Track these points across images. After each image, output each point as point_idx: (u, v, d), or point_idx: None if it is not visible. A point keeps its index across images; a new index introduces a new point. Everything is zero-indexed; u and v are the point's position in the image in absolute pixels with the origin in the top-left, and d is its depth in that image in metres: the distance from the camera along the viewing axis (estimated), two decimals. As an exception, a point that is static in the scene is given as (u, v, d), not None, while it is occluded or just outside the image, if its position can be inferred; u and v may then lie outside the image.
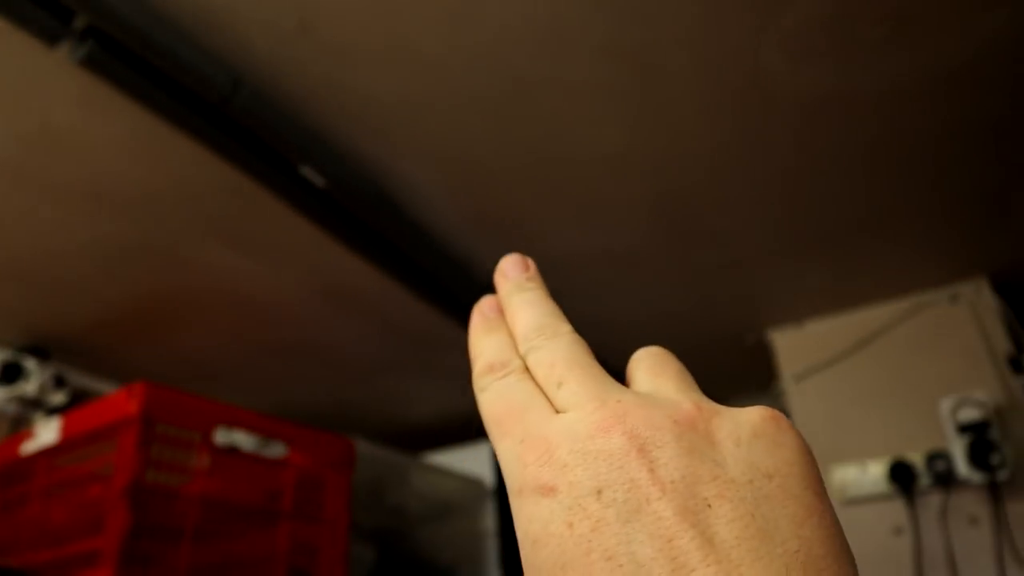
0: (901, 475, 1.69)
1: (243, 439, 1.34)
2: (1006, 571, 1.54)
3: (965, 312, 1.79)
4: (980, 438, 1.58)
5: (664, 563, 0.21)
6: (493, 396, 0.29)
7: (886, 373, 1.81)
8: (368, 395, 2.11)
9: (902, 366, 1.80)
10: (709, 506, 0.22)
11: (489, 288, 0.35)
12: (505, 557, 2.08)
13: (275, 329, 1.75)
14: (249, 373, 1.96)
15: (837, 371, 1.87)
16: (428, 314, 1.71)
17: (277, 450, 1.39)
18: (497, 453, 0.27)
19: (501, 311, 0.33)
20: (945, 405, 1.66)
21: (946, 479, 1.64)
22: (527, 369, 0.30)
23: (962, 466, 1.60)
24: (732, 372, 2.11)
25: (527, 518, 0.25)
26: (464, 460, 2.15)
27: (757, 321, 1.94)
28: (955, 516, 1.64)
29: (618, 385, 0.27)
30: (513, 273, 0.34)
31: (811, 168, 1.35)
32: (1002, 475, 1.55)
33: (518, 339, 0.31)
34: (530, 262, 0.35)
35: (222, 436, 1.30)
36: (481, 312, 0.34)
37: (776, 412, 0.26)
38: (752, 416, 0.25)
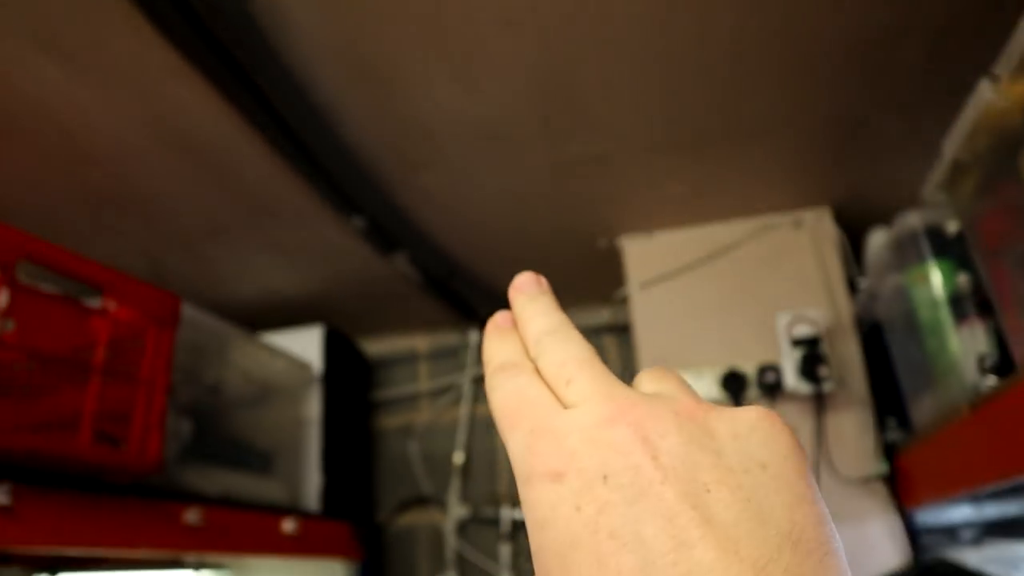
0: (732, 384, 1.76)
1: (51, 278, 1.14)
2: (820, 478, 1.64)
3: (806, 238, 1.87)
4: (811, 352, 1.66)
5: (666, 540, 0.23)
6: (504, 393, 0.31)
7: (728, 288, 1.86)
8: (192, 263, 1.90)
9: (744, 283, 1.86)
10: (708, 491, 0.24)
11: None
12: (327, 447, 1.98)
13: (89, 169, 1.51)
14: (50, 222, 1.69)
15: (682, 282, 1.89)
16: (276, 177, 1.53)
17: (91, 295, 1.20)
18: (507, 446, 0.30)
19: (514, 323, 0.36)
20: (781, 320, 1.73)
21: (774, 389, 1.72)
22: (537, 371, 0.32)
23: (791, 378, 1.68)
24: (581, 274, 2.09)
25: (535, 503, 0.26)
26: (292, 344, 2.01)
27: (611, 226, 1.92)
28: (777, 425, 1.73)
29: (624, 384, 0.30)
30: (527, 287, 0.37)
31: (694, 64, 1.31)
32: (827, 387, 1.64)
33: (529, 344, 0.34)
34: (543, 280, 0.38)
35: (26, 272, 1.09)
36: (495, 322, 0.37)
37: (771, 411, 0.29)
38: (749, 414, 0.28)
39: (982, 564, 1.49)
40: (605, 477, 0.25)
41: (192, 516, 1.43)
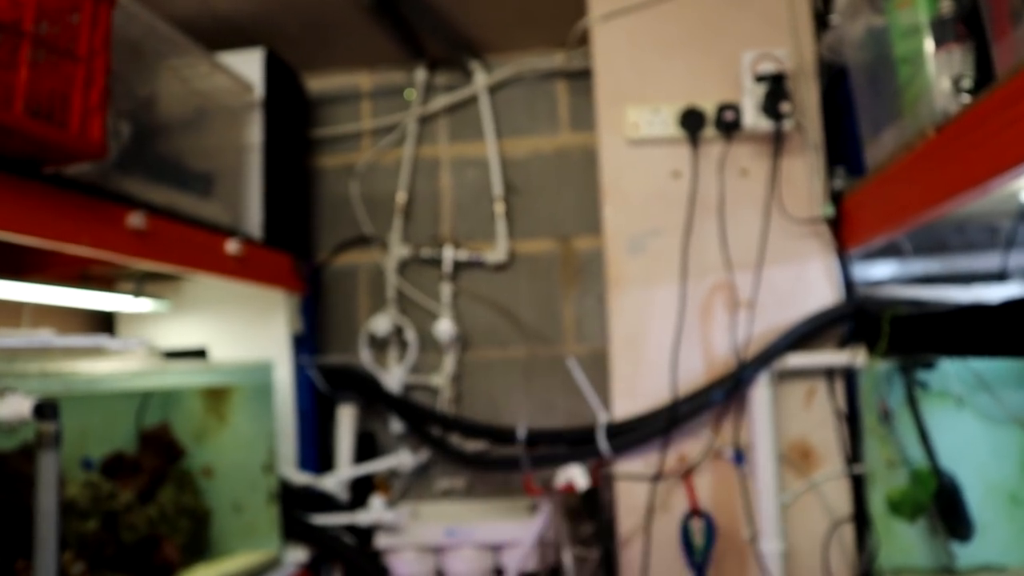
0: (691, 121, 1.74)
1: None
2: (772, 218, 1.68)
3: (777, -25, 1.79)
4: (775, 88, 1.63)
5: None
6: None
7: (693, 24, 1.79)
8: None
9: (709, 19, 1.79)
10: None
11: None
12: (268, 175, 1.90)
13: None
14: None
15: (645, 16, 1.81)
16: None
17: (14, -54, 1.05)
18: None
19: None
20: (747, 57, 1.68)
21: (732, 128, 1.71)
22: None
23: (751, 116, 1.66)
24: (538, 6, 1.97)
25: None
26: (233, 65, 1.86)
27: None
28: (731, 166, 1.74)
29: None
30: None
31: None
32: (788, 124, 1.64)
33: None
34: None
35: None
36: None
37: None
38: None
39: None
40: None
41: (136, 220, 1.36)
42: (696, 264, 1.72)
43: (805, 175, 1.73)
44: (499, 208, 2.17)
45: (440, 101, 2.25)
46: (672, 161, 1.77)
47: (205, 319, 2.07)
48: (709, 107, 1.73)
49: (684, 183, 1.75)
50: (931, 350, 1.33)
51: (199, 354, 1.77)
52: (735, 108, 1.70)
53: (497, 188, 2.18)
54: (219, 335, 2.04)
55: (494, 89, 2.25)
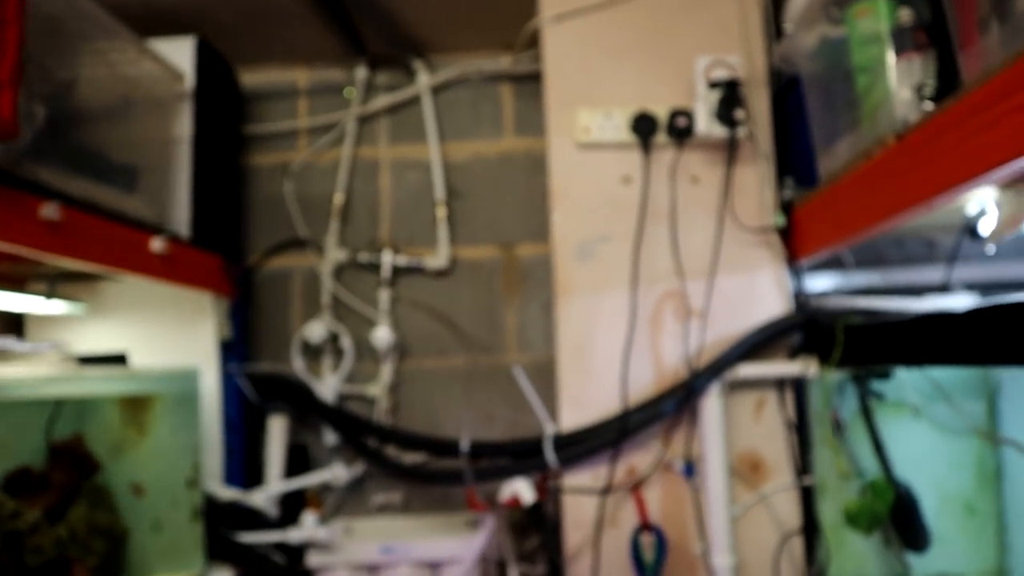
0: (643, 126, 1.70)
1: None
2: (724, 228, 1.66)
3: (728, -17, 1.78)
4: (729, 95, 1.61)
5: None
6: None
7: (645, 29, 1.76)
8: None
9: (661, 24, 1.76)
10: None
11: None
12: (197, 171, 1.79)
13: None
14: None
15: (598, 19, 1.77)
16: None
17: None
18: None
19: None
20: (700, 63, 1.66)
21: (684, 134, 1.68)
22: None
23: (704, 123, 1.64)
24: (487, 5, 1.92)
25: None
26: (163, 53, 1.75)
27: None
28: (682, 173, 1.71)
29: None
30: None
31: None
32: (742, 132, 1.62)
33: None
34: None
35: None
36: None
37: None
38: None
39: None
40: None
41: (50, 211, 1.25)
42: (647, 272, 1.69)
43: (756, 184, 1.72)
44: (441, 213, 2.10)
45: (381, 101, 2.17)
46: (623, 166, 1.73)
47: (125, 323, 1.94)
48: (661, 112, 1.70)
49: (635, 189, 1.71)
50: (887, 360, 1.32)
51: (118, 359, 1.65)
52: (688, 114, 1.68)
53: (439, 192, 2.11)
54: (141, 340, 1.91)
55: (437, 90, 2.18)
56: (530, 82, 2.14)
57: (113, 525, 1.60)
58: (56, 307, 1.80)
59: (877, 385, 1.48)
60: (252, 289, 2.14)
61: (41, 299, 1.72)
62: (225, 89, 2.02)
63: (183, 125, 1.79)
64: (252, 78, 2.22)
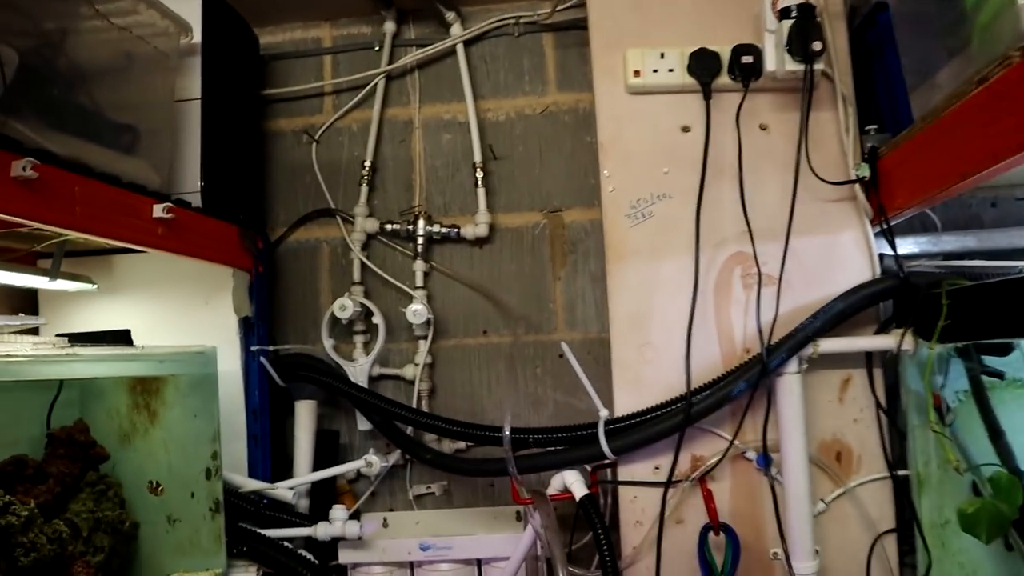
0: (702, 66, 1.48)
1: None
2: (798, 181, 1.43)
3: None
4: (804, 22, 1.38)
5: None
6: None
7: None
8: None
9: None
10: None
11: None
12: (208, 133, 1.63)
13: None
14: None
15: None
16: None
17: None
18: None
19: None
20: (770, -10, 1.43)
21: (750, 73, 1.46)
22: None
23: (773, 58, 1.41)
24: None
25: None
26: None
27: None
28: (749, 119, 1.49)
29: None
30: None
31: None
32: (819, 64, 1.39)
33: None
34: None
35: None
36: None
37: None
38: None
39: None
40: None
41: (24, 168, 1.08)
42: (710, 233, 1.47)
43: (834, 132, 1.49)
44: (479, 176, 1.90)
45: (411, 57, 1.98)
46: (680, 114, 1.51)
47: (141, 300, 1.81)
48: (724, 50, 1.48)
49: (695, 139, 1.50)
50: (1007, 332, 1.09)
51: (121, 336, 1.50)
52: (755, 50, 1.46)
53: (477, 154, 1.91)
54: (158, 319, 1.79)
55: (472, 43, 1.98)
56: (575, 30, 1.93)
57: (121, 519, 1.46)
58: (63, 285, 1.66)
59: (992, 361, 1.24)
60: (276, 263, 1.98)
61: (43, 278, 1.59)
62: (240, 47, 1.85)
63: (191, 83, 1.63)
64: (272, 38, 2.05)
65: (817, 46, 1.37)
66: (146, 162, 1.49)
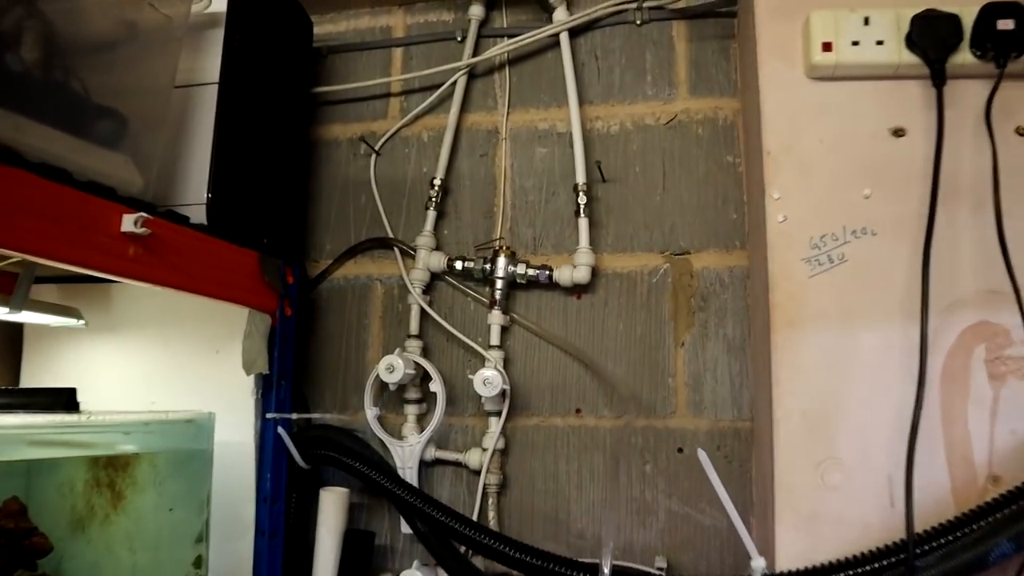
0: (929, 37, 0.98)
1: None
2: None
3: None
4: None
5: None
6: None
7: None
8: None
9: None
10: None
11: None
12: (224, 128, 1.22)
13: None
14: None
15: None
16: None
17: None
18: None
19: None
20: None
21: (1008, 49, 0.95)
22: None
23: (1056, 21, 0.90)
24: None
25: None
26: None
27: None
28: (1004, 118, 0.97)
29: None
30: None
31: None
32: None
33: None
34: None
35: None
36: None
37: None
38: None
39: None
40: None
41: None
42: (936, 291, 0.95)
43: None
44: (581, 203, 1.43)
45: (502, 47, 1.54)
46: (892, 109, 1.01)
47: (141, 342, 1.43)
48: (964, 11, 0.98)
49: (914, 146, 0.99)
50: None
51: (60, 397, 1.07)
52: (1019, 9, 0.94)
53: (580, 175, 1.44)
54: (160, 367, 1.41)
55: (580, 33, 1.53)
56: (714, 17, 1.46)
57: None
58: (33, 318, 1.28)
59: None
60: (314, 305, 1.55)
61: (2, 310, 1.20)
62: (285, 28, 1.45)
63: (208, 63, 1.23)
64: (333, 27, 1.66)
65: None
66: (126, 158, 1.08)
